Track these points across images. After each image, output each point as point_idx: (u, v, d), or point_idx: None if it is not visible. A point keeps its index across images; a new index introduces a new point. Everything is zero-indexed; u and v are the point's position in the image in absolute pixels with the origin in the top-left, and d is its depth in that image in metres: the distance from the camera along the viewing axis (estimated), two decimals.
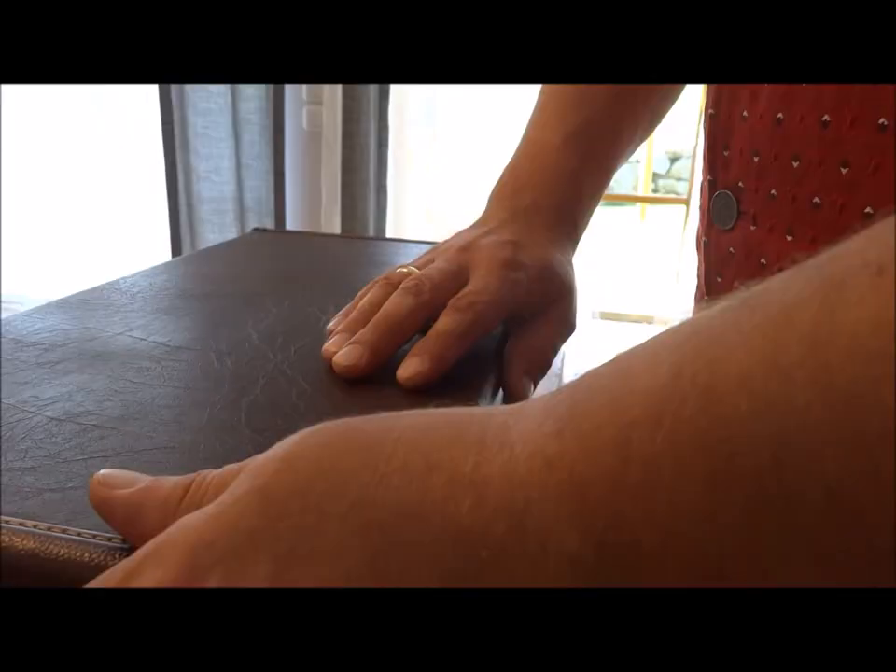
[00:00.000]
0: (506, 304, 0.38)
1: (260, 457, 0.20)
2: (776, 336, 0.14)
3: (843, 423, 0.13)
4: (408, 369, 0.33)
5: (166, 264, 0.57)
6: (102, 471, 0.23)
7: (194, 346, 0.39)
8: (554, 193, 0.45)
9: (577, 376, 0.20)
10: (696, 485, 0.14)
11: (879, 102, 0.33)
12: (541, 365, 0.41)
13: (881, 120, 0.33)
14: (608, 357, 0.18)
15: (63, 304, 0.45)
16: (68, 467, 0.26)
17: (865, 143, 0.33)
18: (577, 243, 0.46)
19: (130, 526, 0.22)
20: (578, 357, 1.90)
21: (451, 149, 2.05)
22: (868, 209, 0.34)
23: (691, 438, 0.15)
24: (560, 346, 0.43)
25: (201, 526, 0.19)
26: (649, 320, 2.45)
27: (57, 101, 2.24)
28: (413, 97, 2.01)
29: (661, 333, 0.17)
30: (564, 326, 0.42)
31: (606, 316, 2.32)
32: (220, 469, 0.22)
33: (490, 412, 0.19)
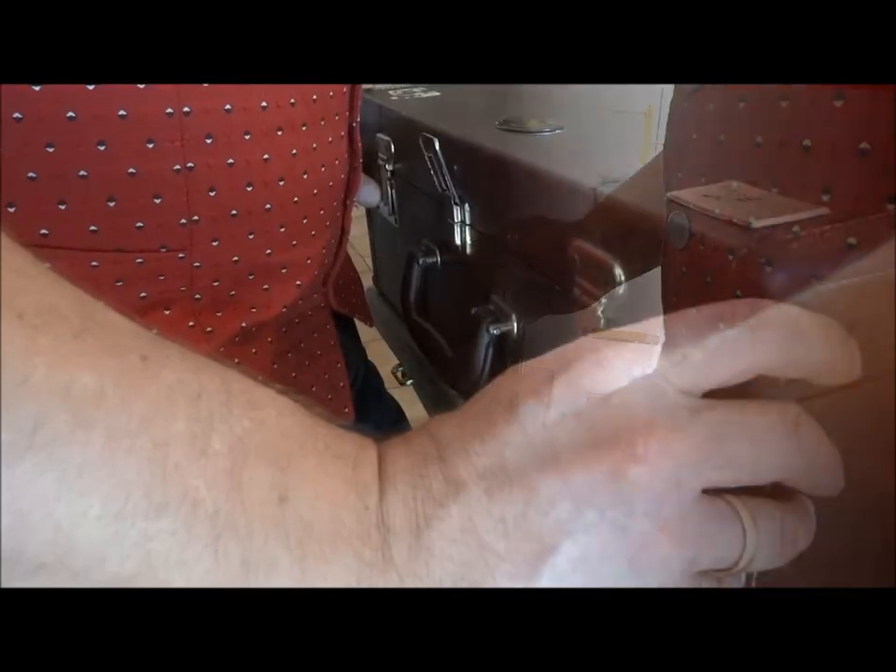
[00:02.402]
0: None
1: None
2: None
3: None
4: None
5: None
6: None
7: None
8: None
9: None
10: None
11: (806, 123, 0.34)
12: None
13: (805, 142, 0.34)
14: None
15: None
16: None
17: (793, 164, 0.35)
18: None
19: None
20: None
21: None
22: (795, 227, 0.36)
23: None
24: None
25: None
26: (640, 339, 2.46)
27: None
28: None
29: None
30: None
31: (596, 334, 2.33)
32: None
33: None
